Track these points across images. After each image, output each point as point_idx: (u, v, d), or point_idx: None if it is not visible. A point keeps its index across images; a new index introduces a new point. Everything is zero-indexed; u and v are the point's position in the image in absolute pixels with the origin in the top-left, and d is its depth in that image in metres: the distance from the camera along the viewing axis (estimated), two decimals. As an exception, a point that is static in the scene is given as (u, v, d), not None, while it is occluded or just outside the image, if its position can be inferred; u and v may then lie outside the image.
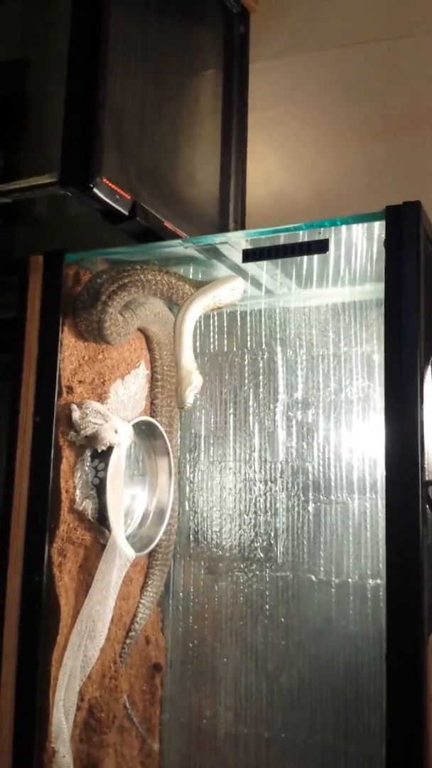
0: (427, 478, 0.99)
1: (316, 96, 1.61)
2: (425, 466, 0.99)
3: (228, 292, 1.20)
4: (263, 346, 1.45)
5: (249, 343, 1.46)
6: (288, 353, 1.42)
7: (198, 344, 1.49)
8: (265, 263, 1.26)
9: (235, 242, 1.16)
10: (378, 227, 1.10)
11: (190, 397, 1.13)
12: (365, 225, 1.09)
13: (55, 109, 1.18)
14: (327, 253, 1.11)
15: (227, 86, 1.57)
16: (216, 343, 1.49)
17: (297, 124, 1.62)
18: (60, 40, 1.21)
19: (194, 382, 1.13)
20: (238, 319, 1.47)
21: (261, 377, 1.45)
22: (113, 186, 1.11)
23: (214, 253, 1.20)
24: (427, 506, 0.99)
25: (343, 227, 1.09)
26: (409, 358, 0.99)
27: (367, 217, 1.04)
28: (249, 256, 1.13)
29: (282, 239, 1.12)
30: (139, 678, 1.37)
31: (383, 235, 1.03)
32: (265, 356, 1.44)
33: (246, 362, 1.46)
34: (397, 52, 1.57)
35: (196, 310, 1.16)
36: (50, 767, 1.14)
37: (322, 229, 1.08)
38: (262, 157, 1.62)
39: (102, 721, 1.24)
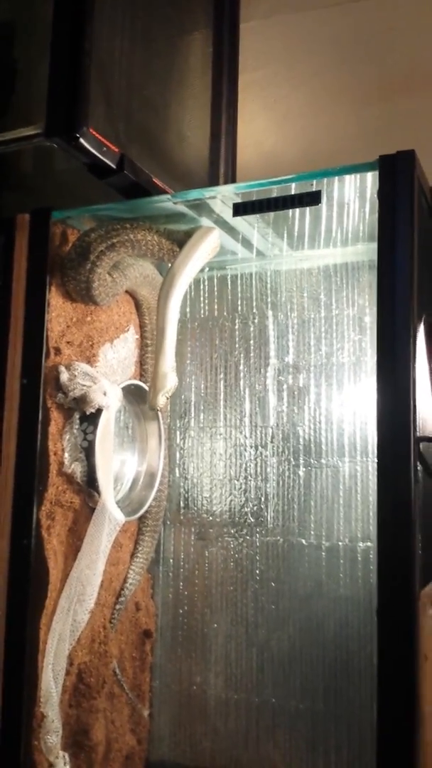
0: (418, 434, 0.98)
1: (308, 56, 1.58)
2: (417, 422, 0.97)
3: (205, 255, 1.17)
4: (254, 310, 1.43)
5: (239, 308, 1.44)
6: (279, 317, 1.40)
7: (188, 309, 1.47)
8: (256, 222, 1.23)
9: (225, 196, 1.13)
10: (371, 182, 1.08)
11: (162, 400, 1.13)
12: (358, 179, 1.07)
13: (43, 68, 1.15)
14: (319, 207, 1.08)
15: (218, 46, 1.54)
16: (206, 307, 1.47)
17: (288, 85, 1.59)
18: (47, 2, 1.18)
19: (168, 385, 1.13)
20: (229, 282, 1.44)
21: (251, 342, 1.43)
22: (100, 137, 1.08)
23: (204, 208, 1.17)
24: (419, 463, 0.98)
25: (336, 181, 1.07)
26: (402, 313, 0.97)
27: (360, 168, 1.02)
28: (239, 210, 1.11)
29: (274, 193, 1.10)
30: (129, 644, 1.36)
31: (376, 191, 1.00)
32: (255, 320, 1.43)
33: (236, 327, 1.44)
34: (391, 11, 1.54)
35: (176, 300, 1.15)
36: (39, 732, 1.13)
37: (314, 181, 1.06)
38: (253, 118, 1.60)
39: (91, 686, 1.23)
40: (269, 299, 1.42)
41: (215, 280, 1.45)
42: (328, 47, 1.58)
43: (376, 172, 0.99)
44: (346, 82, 1.56)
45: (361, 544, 1.30)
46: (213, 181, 1.47)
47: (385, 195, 0.98)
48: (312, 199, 1.04)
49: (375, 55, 1.54)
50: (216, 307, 1.45)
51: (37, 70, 1.21)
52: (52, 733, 1.14)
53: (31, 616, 1.13)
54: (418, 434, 0.97)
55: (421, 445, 0.98)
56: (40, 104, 1.14)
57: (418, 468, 0.97)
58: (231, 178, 1.52)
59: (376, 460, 0.99)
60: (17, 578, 1.14)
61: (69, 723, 1.21)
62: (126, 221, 1.12)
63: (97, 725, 1.26)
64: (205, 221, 1.22)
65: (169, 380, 1.13)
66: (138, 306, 1.39)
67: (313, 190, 1.05)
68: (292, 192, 1.09)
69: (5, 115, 1.27)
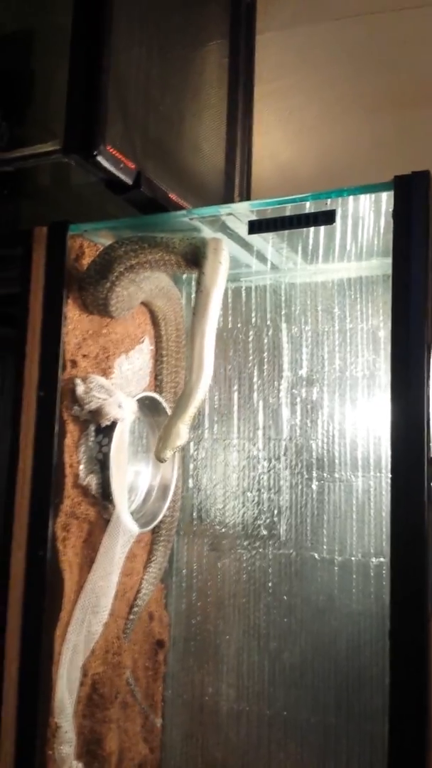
0: (433, 454, 0.98)
1: (324, 68, 1.58)
2: (431, 442, 0.98)
3: (222, 282, 1.11)
4: (268, 322, 1.43)
5: (254, 320, 1.44)
6: (293, 330, 1.41)
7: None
8: (270, 237, 1.24)
9: (241, 213, 1.13)
10: (385, 199, 1.08)
11: (168, 454, 1.11)
12: (373, 196, 1.07)
13: (62, 80, 1.16)
14: (334, 224, 1.09)
15: (233, 57, 1.54)
16: (220, 319, 1.47)
17: (304, 97, 1.60)
18: (65, 11, 1.19)
19: (178, 443, 1.11)
20: (243, 295, 1.45)
21: (266, 354, 1.43)
22: (117, 154, 1.09)
23: (219, 225, 1.18)
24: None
25: (350, 198, 1.07)
26: (416, 331, 0.98)
27: (375, 188, 1.02)
28: (254, 227, 1.11)
29: (288, 211, 1.10)
30: (142, 654, 1.37)
31: (391, 208, 1.01)
32: (269, 333, 1.43)
33: (250, 339, 1.44)
34: (406, 23, 1.54)
35: (208, 358, 1.09)
36: (53, 742, 1.14)
37: (328, 200, 1.06)
38: (268, 130, 1.60)
39: (105, 696, 1.24)
40: (283, 312, 1.42)
41: (229, 292, 1.45)
42: (344, 59, 1.58)
43: (392, 192, 1.00)
44: (361, 93, 1.56)
45: (374, 559, 1.30)
46: (228, 193, 1.48)
47: (400, 215, 0.98)
48: (327, 218, 1.05)
49: (389, 66, 1.54)
50: (230, 319, 1.46)
51: (54, 79, 1.22)
52: (66, 744, 1.15)
53: (46, 627, 1.14)
54: (432, 453, 0.97)
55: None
56: (57, 112, 1.15)
57: (432, 487, 0.97)
58: (246, 190, 1.52)
59: (389, 475, 0.99)
60: (33, 589, 1.15)
61: (83, 733, 1.22)
62: (144, 241, 1.12)
63: (111, 735, 1.27)
64: (220, 236, 1.22)
65: (181, 438, 1.11)
66: (153, 316, 1.40)
67: (328, 208, 1.06)
68: (307, 209, 1.09)
69: (23, 124, 1.29)
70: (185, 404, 1.08)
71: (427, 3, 1.52)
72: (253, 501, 1.41)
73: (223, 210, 1.14)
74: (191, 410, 1.09)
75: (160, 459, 1.12)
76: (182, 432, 1.10)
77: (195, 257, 1.06)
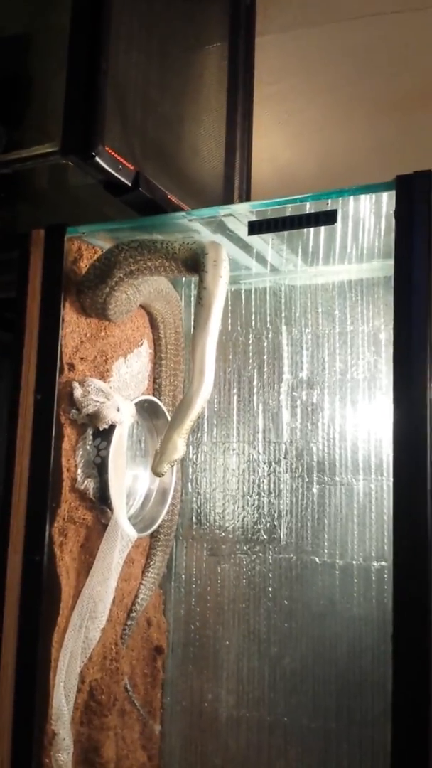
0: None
1: (324, 70, 1.58)
2: (434, 444, 0.97)
3: (223, 295, 1.07)
4: (268, 324, 1.42)
5: (254, 322, 1.43)
6: (293, 332, 1.40)
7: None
8: (270, 238, 1.23)
9: (241, 214, 1.13)
10: (386, 200, 1.07)
11: (165, 468, 1.09)
12: (373, 197, 1.06)
13: (59, 83, 1.15)
14: (334, 225, 1.08)
15: (233, 60, 1.54)
16: (220, 321, 1.46)
17: (304, 100, 1.59)
18: (63, 16, 1.18)
19: (175, 456, 1.08)
20: (243, 297, 1.44)
21: (265, 357, 1.42)
22: (116, 155, 1.08)
23: (219, 226, 1.17)
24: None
25: (351, 199, 1.06)
26: (419, 333, 0.97)
27: (377, 188, 1.01)
28: (255, 228, 1.10)
29: (289, 211, 1.09)
30: (140, 660, 1.36)
31: (392, 209, 1.00)
32: (269, 335, 1.42)
33: (250, 341, 1.43)
34: (407, 25, 1.53)
35: (209, 371, 1.07)
36: (50, 749, 1.13)
37: (329, 200, 1.05)
38: (268, 133, 1.59)
39: (103, 703, 1.23)
40: (283, 314, 1.41)
41: (229, 294, 1.44)
42: (344, 61, 1.58)
43: (393, 192, 0.99)
44: (362, 96, 1.56)
45: (375, 563, 1.29)
46: (228, 196, 1.47)
47: (402, 215, 0.97)
48: (328, 218, 1.04)
49: (390, 69, 1.54)
50: (230, 321, 1.45)
51: (52, 81, 1.21)
52: (63, 751, 1.14)
53: (43, 633, 1.13)
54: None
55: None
56: (56, 114, 1.14)
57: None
58: (246, 193, 1.52)
59: (390, 478, 0.98)
60: (30, 595, 1.14)
61: (80, 740, 1.21)
62: (144, 247, 1.10)
63: (108, 742, 1.25)
64: (219, 237, 1.21)
65: (178, 452, 1.09)
66: (152, 319, 1.39)
67: (329, 209, 1.05)
68: (308, 210, 1.08)
69: (21, 127, 1.28)
70: (183, 416, 1.07)
71: (429, 5, 1.52)
72: (253, 505, 1.40)
73: (222, 211, 1.13)
74: (188, 422, 1.07)
75: (157, 473, 1.10)
76: (179, 445, 1.08)
77: (195, 264, 1.05)
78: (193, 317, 1.07)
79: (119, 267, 1.13)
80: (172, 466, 1.11)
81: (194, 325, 1.05)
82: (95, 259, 1.19)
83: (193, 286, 1.40)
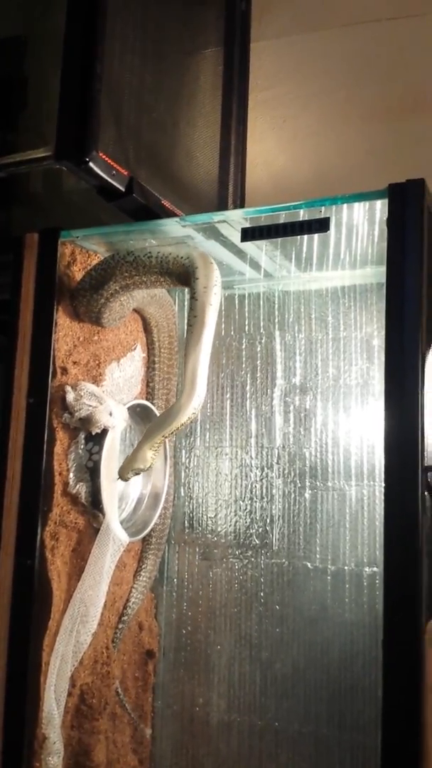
0: (426, 464, 0.97)
1: (318, 76, 1.58)
2: (425, 451, 0.97)
3: (216, 309, 1.08)
4: (261, 330, 1.42)
5: (247, 327, 1.44)
6: (286, 337, 1.40)
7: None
8: (264, 244, 1.23)
9: (234, 221, 1.13)
10: (380, 208, 1.07)
11: (130, 476, 1.11)
12: (367, 204, 1.06)
13: (54, 88, 1.15)
14: (328, 232, 1.08)
15: (228, 65, 1.54)
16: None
17: (298, 105, 1.59)
18: (58, 18, 1.18)
19: (140, 466, 1.09)
20: (236, 302, 1.44)
21: (259, 362, 1.42)
22: (110, 161, 1.08)
23: (213, 232, 1.17)
24: (427, 492, 0.97)
25: (344, 206, 1.06)
26: (411, 340, 0.97)
27: (370, 195, 1.02)
28: (248, 235, 1.11)
29: (282, 218, 1.10)
30: (131, 664, 1.36)
31: (385, 216, 1.00)
32: (263, 340, 1.42)
33: (243, 346, 1.44)
34: (402, 32, 1.54)
35: (198, 394, 1.07)
36: (41, 753, 1.13)
37: (322, 207, 1.06)
38: (263, 138, 1.60)
39: (93, 707, 1.23)
40: (277, 320, 1.41)
41: (223, 299, 1.44)
42: (339, 67, 1.58)
43: (386, 200, 0.99)
44: (357, 102, 1.56)
45: (366, 568, 1.29)
46: (222, 201, 1.47)
47: (395, 223, 0.97)
48: (321, 225, 1.04)
49: (385, 75, 1.54)
50: (223, 326, 1.45)
51: (47, 84, 1.21)
52: (54, 755, 1.14)
53: (34, 637, 1.13)
54: (426, 464, 0.96)
55: (429, 475, 0.97)
56: (50, 117, 1.14)
57: (426, 498, 0.96)
58: (240, 198, 1.52)
59: (382, 484, 0.98)
60: (20, 599, 1.13)
61: (70, 744, 1.21)
62: (140, 262, 1.10)
63: (99, 746, 1.25)
64: (213, 243, 1.21)
65: (145, 462, 1.09)
66: (145, 323, 1.40)
67: (322, 216, 1.05)
68: (301, 217, 1.09)
69: (15, 130, 1.28)
70: (159, 428, 1.08)
71: (423, 12, 1.52)
72: (246, 510, 1.40)
73: (216, 217, 1.14)
74: (166, 432, 1.07)
75: (122, 478, 1.12)
76: (147, 457, 1.09)
77: (187, 278, 1.05)
78: (186, 327, 1.07)
79: (115, 280, 1.14)
80: (136, 474, 1.11)
81: (186, 338, 1.06)
82: (91, 268, 1.19)
83: (186, 290, 1.41)
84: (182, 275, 1.07)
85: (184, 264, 1.06)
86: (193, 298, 1.05)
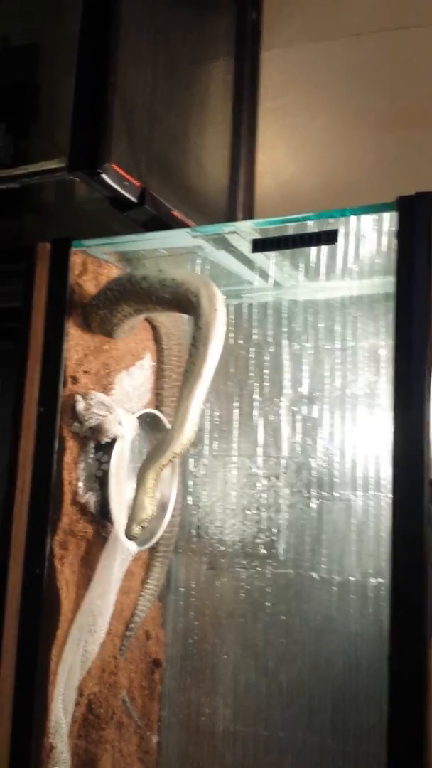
0: (435, 476, 0.97)
1: (328, 85, 1.59)
2: (433, 463, 0.97)
3: (220, 343, 1.09)
4: (269, 339, 1.43)
5: (255, 336, 1.44)
6: (294, 347, 1.40)
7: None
8: (273, 254, 1.24)
9: (244, 232, 1.13)
10: (388, 219, 1.08)
11: (137, 530, 1.10)
12: (376, 216, 1.07)
13: (67, 96, 1.16)
14: (336, 244, 1.09)
15: (238, 74, 1.55)
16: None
17: (308, 114, 1.60)
18: (71, 26, 1.19)
19: (143, 516, 1.09)
20: (245, 311, 1.45)
21: (266, 371, 1.43)
22: (122, 172, 1.09)
23: (223, 242, 1.18)
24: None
25: (353, 218, 1.07)
26: (419, 352, 0.97)
27: (379, 208, 1.02)
28: (258, 246, 1.12)
29: (291, 229, 1.10)
30: (138, 673, 1.36)
31: (393, 227, 1.01)
32: (270, 350, 1.43)
33: (251, 355, 1.44)
34: (410, 42, 1.54)
35: (189, 428, 1.08)
36: (48, 763, 1.13)
37: (331, 219, 1.06)
38: (272, 147, 1.60)
39: (101, 716, 1.23)
40: (284, 329, 1.42)
41: (231, 308, 1.45)
42: (348, 77, 1.58)
43: (395, 212, 1.00)
44: (365, 111, 1.57)
45: (372, 580, 1.29)
46: (231, 210, 1.48)
47: (404, 236, 0.98)
48: (329, 237, 1.05)
49: (394, 85, 1.55)
50: (231, 335, 1.45)
51: (60, 93, 1.22)
52: (61, 764, 1.14)
53: (42, 647, 1.13)
54: (433, 476, 0.97)
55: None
56: (63, 126, 1.15)
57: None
58: (249, 207, 1.52)
59: (389, 495, 0.98)
60: (29, 608, 1.14)
61: (77, 753, 1.21)
62: (152, 290, 1.11)
63: (105, 756, 1.25)
64: (223, 253, 1.22)
65: (146, 511, 1.10)
66: (155, 333, 1.40)
67: (330, 228, 1.06)
68: (310, 228, 1.09)
69: (28, 138, 1.29)
70: (149, 473, 1.09)
71: (432, 23, 1.53)
72: (252, 519, 1.40)
73: (226, 228, 1.14)
74: (150, 486, 1.09)
75: (130, 537, 1.11)
76: (146, 504, 1.09)
77: (192, 308, 1.07)
78: (189, 347, 1.07)
79: (128, 303, 1.15)
80: (143, 525, 1.11)
81: (186, 369, 1.06)
82: (106, 287, 1.20)
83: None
84: (187, 303, 1.07)
85: (187, 295, 1.06)
86: (196, 323, 1.05)
